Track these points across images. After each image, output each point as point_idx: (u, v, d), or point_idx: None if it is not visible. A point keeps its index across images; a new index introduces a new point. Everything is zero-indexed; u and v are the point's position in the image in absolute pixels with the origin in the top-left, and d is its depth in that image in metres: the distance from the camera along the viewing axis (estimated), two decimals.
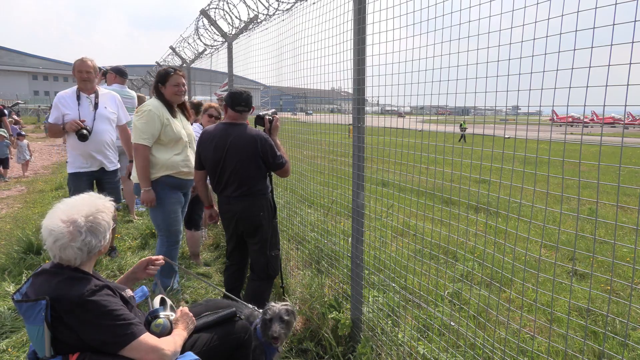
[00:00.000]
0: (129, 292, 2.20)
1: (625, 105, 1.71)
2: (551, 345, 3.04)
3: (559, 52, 1.94)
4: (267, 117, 3.73)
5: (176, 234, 4.09)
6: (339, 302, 3.48)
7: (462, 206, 6.51)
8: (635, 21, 1.66)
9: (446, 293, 3.86)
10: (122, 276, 2.51)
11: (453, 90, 2.60)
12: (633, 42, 1.67)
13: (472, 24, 2.38)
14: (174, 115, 3.99)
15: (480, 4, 2.31)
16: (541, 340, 3.22)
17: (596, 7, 1.76)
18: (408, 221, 4.79)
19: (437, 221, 4.31)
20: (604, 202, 1.98)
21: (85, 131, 4.53)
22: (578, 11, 1.83)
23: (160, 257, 2.56)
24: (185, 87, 4.05)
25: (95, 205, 2.06)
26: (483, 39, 2.31)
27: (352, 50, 3.04)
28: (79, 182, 4.73)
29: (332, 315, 3.29)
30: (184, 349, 2.15)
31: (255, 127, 3.74)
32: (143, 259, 2.53)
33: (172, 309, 2.27)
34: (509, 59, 2.21)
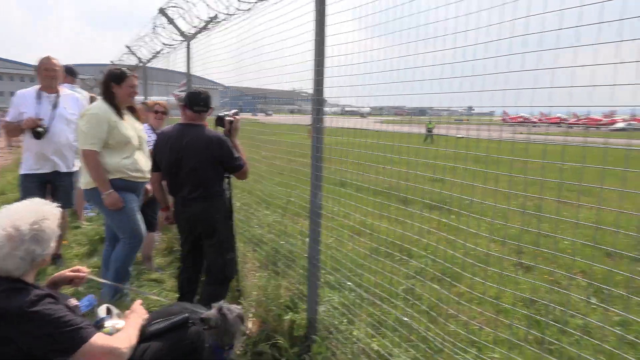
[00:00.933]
0: (72, 302, 2.13)
1: (571, 106, 1.84)
2: (498, 335, 3.18)
3: (510, 55, 2.05)
4: (228, 118, 3.70)
5: (140, 233, 4.01)
6: (295, 302, 3.50)
7: (417, 205, 6.68)
8: (578, 26, 1.78)
9: (400, 290, 3.96)
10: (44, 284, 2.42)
11: (411, 91, 2.68)
12: (578, 46, 1.80)
13: (430, 26, 2.46)
14: (121, 116, 3.89)
15: (437, 7, 2.38)
16: (489, 331, 3.37)
17: (544, 12, 1.87)
18: (365, 220, 4.88)
19: (393, 220, 4.41)
20: (547, 197, 2.11)
21: (41, 129, 4.42)
22: (528, 16, 1.95)
23: (83, 270, 2.45)
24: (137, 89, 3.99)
25: (41, 212, 1.99)
26: (440, 41, 2.40)
27: (313, 51, 3.07)
28: (28, 184, 4.60)
29: (288, 316, 3.31)
30: None
31: (216, 128, 3.71)
32: (64, 272, 2.42)
33: (120, 317, 2.22)
34: (464, 61, 2.29)
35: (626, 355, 2.36)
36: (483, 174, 2.59)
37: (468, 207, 3.17)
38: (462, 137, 2.72)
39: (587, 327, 3.66)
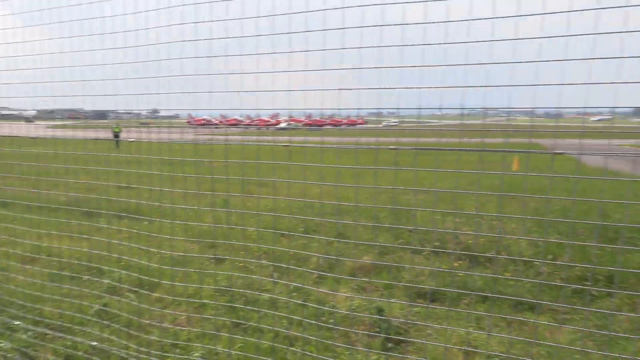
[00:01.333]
0: None
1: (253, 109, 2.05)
2: (199, 331, 3.29)
3: (195, 57, 2.09)
4: None
5: None
6: None
7: (105, 217, 6.15)
8: (242, 37, 1.95)
9: (92, 312, 3.58)
10: None
11: (90, 92, 2.41)
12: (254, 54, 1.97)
13: (105, 20, 2.24)
14: None
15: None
16: (190, 329, 3.45)
17: (240, 18, 1.98)
18: (40, 244, 4.15)
19: (77, 237, 3.92)
20: (232, 194, 2.28)
21: None
22: (209, 20, 2.02)
23: None
24: None
25: None
26: (120, 38, 2.22)
27: None
28: None
29: None
30: None
31: None
32: None
33: None
34: (152, 60, 2.19)
35: (298, 317, 2.87)
36: (173, 176, 2.61)
37: (160, 212, 3.14)
38: (134, 141, 2.65)
39: (272, 300, 4.24)
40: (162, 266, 3.51)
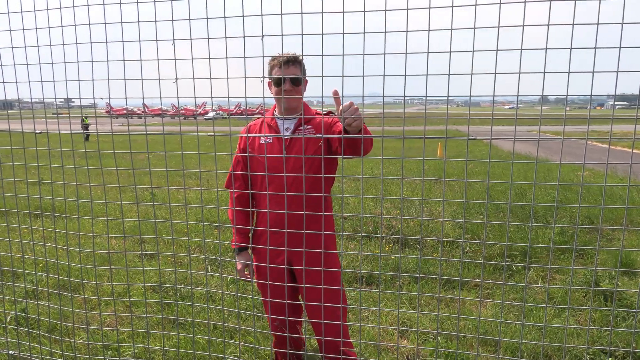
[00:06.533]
0: None
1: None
2: (130, 330, 3.13)
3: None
4: None
5: None
6: None
7: (15, 215, 5.64)
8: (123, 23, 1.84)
9: (9, 319, 3.28)
10: None
11: None
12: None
13: None
14: None
15: None
16: (122, 329, 3.28)
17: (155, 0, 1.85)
18: None
19: None
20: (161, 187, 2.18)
21: None
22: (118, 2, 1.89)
23: None
24: None
25: None
26: None
27: None
28: None
29: None
30: None
31: None
32: None
33: None
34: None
35: (231, 309, 2.82)
36: (91, 170, 2.43)
37: (78, 209, 2.94)
38: (40, 133, 2.44)
39: (210, 293, 4.14)
40: (87, 265, 3.30)
